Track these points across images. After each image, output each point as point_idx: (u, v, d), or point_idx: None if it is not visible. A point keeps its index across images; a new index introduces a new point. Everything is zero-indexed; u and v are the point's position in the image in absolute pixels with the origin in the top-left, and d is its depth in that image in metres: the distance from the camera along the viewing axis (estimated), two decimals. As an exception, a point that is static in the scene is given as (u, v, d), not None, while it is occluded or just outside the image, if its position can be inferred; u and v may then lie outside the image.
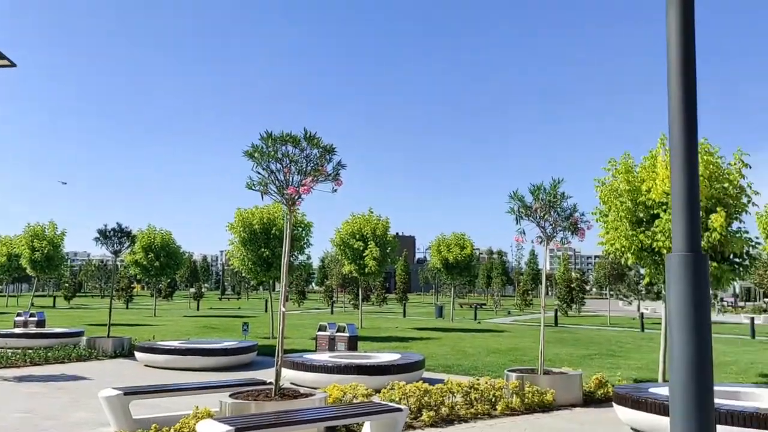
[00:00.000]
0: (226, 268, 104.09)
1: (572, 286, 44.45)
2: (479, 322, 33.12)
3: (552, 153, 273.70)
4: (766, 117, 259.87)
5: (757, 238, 11.86)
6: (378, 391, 9.20)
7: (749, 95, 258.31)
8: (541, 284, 11.05)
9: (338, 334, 14.74)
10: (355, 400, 8.46)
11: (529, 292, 52.23)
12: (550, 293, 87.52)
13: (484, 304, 58.28)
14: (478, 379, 9.37)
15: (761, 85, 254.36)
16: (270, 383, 7.63)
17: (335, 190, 7.37)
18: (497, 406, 8.90)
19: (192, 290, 56.27)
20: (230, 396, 7.01)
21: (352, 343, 14.62)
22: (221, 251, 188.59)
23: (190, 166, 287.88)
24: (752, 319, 27.44)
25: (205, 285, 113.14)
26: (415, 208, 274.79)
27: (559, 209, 10.37)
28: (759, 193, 11.47)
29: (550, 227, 10.42)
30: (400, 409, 6.51)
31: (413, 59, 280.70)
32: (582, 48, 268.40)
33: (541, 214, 10.36)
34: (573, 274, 46.85)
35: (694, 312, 3.62)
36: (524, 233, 10.61)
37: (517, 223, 10.48)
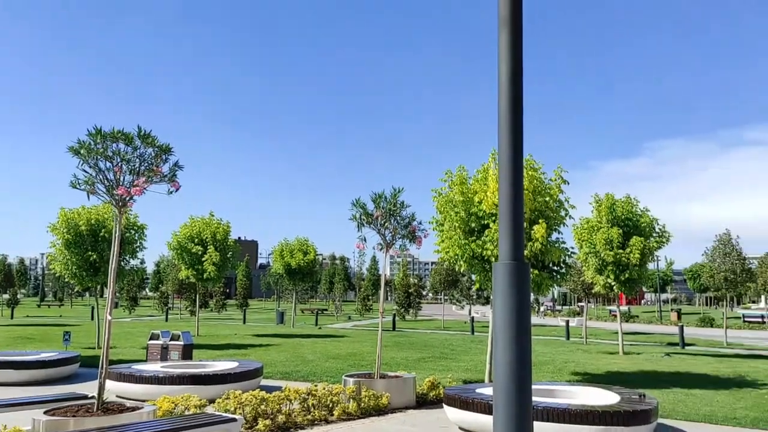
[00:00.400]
0: (47, 272, 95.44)
1: (410, 291, 46.09)
2: (320, 328, 33.24)
3: (395, 163, 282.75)
4: (585, 139, 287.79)
5: (573, 247, 13.06)
6: (213, 401, 8.88)
7: (572, 116, 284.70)
8: (381, 290, 11.31)
9: (172, 342, 14.05)
10: (187, 412, 8.10)
11: (370, 297, 53.37)
12: (389, 298, 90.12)
13: (326, 310, 58.63)
14: (316, 385, 9.37)
15: (584, 107, 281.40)
16: (93, 397, 7.08)
17: (171, 192, 7.03)
18: (334, 412, 8.96)
19: (6, 296, 50.83)
20: (45, 413, 6.40)
21: (187, 352, 14.01)
22: (42, 254, 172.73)
23: (6, 162, 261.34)
24: (567, 322, 30.15)
25: (22, 291, 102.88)
26: (259, 212, 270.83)
27: (398, 217, 10.69)
28: (575, 207, 12.68)
29: (390, 235, 10.71)
30: (234, 420, 6.33)
31: (260, 62, 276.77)
32: (429, 68, 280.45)
33: (382, 222, 10.62)
34: (411, 279, 48.57)
35: (516, 316, 3.87)
36: (365, 240, 10.82)
37: (359, 230, 10.67)
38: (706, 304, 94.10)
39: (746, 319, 42.52)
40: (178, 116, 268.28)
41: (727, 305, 27.47)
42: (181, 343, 13.99)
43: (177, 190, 7.01)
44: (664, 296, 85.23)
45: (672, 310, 55.62)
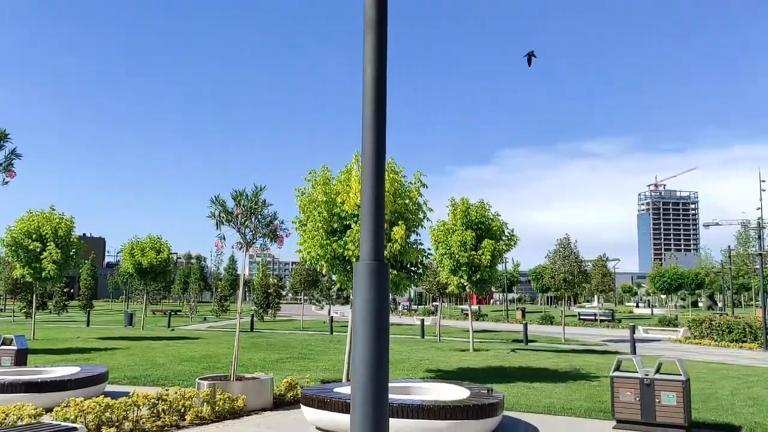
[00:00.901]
0: None
1: (269, 291, 45.40)
2: (173, 330, 31.85)
3: (256, 162, 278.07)
4: (443, 145, 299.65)
5: (429, 249, 13.50)
6: (51, 410, 8.21)
7: (433, 120, 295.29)
8: (239, 290, 11.06)
9: (3, 347, 12.84)
10: (20, 422, 7.42)
11: (227, 297, 51.94)
12: (247, 299, 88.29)
13: (180, 311, 56.27)
14: (167, 390, 8.96)
15: (443, 113, 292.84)
16: None
17: (6, 182, 6.41)
18: (186, 417, 8.61)
19: None
20: None
21: (21, 357, 12.86)
22: None
23: None
24: (422, 320, 31.12)
25: None
26: (107, 208, 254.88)
27: (260, 216, 10.49)
28: (433, 210, 13.13)
29: (251, 233, 10.48)
30: (74, 428, 5.89)
31: (121, 56, 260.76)
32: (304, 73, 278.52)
33: (242, 220, 10.37)
34: (270, 279, 47.88)
35: (376, 315, 3.93)
36: (224, 238, 10.51)
37: (217, 228, 10.34)
38: (547, 303, 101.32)
39: (581, 317, 46.35)
40: (24, 106, 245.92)
41: (565, 304, 29.74)
42: (14, 347, 12.84)
43: (12, 179, 6.41)
44: (510, 296, 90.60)
45: (517, 308, 59.30)
